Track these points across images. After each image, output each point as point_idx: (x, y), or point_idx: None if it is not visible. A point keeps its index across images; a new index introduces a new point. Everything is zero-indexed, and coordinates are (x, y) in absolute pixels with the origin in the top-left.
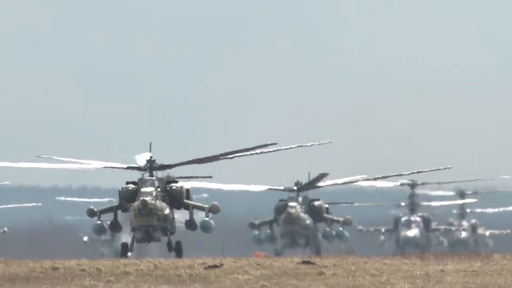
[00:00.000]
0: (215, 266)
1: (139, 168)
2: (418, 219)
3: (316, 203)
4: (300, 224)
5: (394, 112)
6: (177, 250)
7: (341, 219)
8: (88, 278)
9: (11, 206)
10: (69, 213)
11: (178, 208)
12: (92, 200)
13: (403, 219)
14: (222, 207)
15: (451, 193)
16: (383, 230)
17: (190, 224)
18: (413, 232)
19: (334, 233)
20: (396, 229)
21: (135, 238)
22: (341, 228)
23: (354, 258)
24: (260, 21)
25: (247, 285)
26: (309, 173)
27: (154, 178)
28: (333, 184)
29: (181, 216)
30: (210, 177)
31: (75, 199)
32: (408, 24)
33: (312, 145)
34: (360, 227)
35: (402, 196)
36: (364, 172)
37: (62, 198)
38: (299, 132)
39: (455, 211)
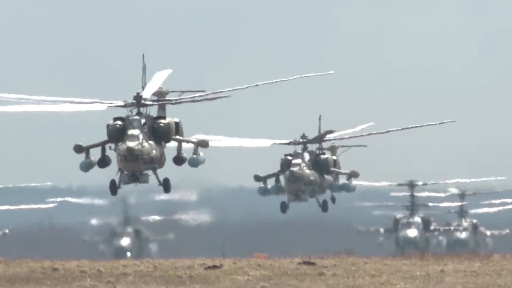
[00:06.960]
0: (215, 267)
1: (123, 106)
2: (418, 219)
3: (323, 156)
4: (304, 181)
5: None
6: (164, 186)
7: (347, 171)
8: (88, 279)
9: (11, 207)
10: (69, 213)
11: (167, 142)
12: (92, 200)
13: (403, 219)
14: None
15: (451, 193)
16: (382, 230)
17: (178, 159)
18: (413, 232)
19: (340, 184)
20: (396, 230)
21: (121, 179)
22: (347, 182)
23: (354, 259)
24: None
25: (247, 286)
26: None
27: (141, 117)
28: (340, 139)
29: None
30: (203, 90)
31: (75, 199)
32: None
33: (314, 75)
34: (359, 228)
35: (401, 196)
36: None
37: (62, 199)
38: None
39: (455, 211)
